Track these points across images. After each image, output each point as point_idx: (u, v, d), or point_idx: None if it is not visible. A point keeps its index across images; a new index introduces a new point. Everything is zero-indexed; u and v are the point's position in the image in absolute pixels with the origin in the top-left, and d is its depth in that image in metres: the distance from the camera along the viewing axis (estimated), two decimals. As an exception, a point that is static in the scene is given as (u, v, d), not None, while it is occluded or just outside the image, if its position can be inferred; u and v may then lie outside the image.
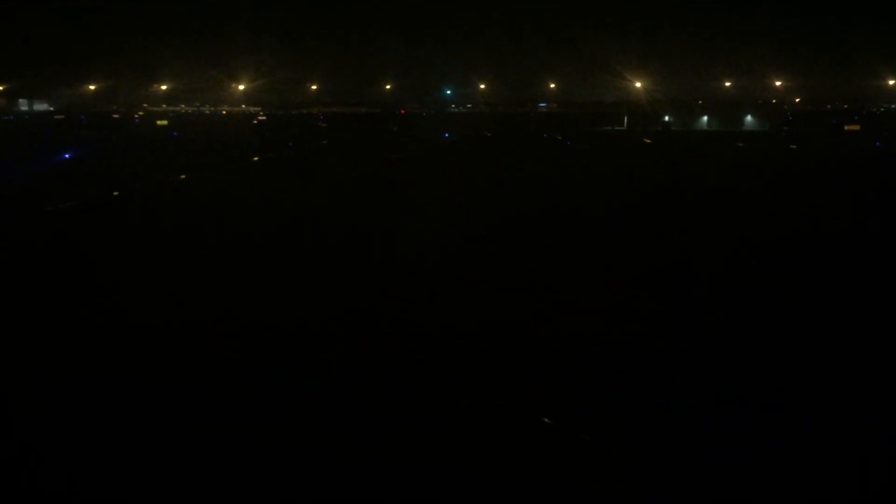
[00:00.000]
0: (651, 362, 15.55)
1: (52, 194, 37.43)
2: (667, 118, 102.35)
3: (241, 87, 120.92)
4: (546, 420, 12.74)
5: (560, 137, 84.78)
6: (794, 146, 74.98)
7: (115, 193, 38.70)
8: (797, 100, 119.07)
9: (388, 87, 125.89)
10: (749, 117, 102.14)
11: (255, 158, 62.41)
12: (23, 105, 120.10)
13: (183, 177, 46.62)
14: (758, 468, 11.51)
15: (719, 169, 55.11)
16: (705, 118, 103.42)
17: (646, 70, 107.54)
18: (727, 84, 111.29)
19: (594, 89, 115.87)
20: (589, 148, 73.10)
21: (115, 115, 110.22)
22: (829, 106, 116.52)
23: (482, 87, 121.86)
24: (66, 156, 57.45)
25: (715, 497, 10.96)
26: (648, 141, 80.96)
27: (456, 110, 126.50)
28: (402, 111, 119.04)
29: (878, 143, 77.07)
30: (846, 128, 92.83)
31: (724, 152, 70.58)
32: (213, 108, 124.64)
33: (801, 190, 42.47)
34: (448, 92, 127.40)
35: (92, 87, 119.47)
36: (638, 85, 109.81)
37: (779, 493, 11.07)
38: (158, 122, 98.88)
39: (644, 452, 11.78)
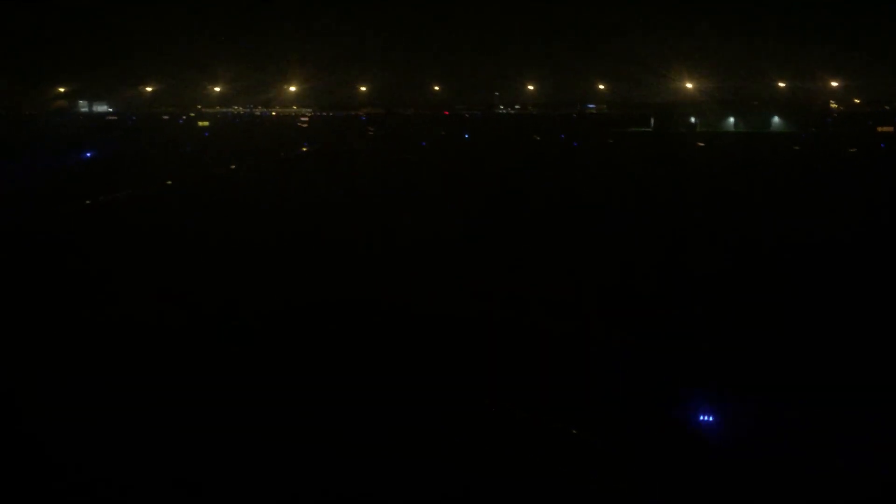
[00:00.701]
0: (651, 362, 15.53)
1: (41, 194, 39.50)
2: (693, 119, 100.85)
3: (293, 89, 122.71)
4: (546, 421, 12.85)
5: (563, 137, 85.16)
6: (796, 147, 73.84)
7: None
8: (856, 100, 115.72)
9: (436, 88, 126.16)
10: (776, 118, 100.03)
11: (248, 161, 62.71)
12: (83, 106, 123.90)
13: (168, 182, 46.84)
14: (758, 468, 11.46)
15: (695, 171, 55.20)
16: (732, 119, 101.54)
17: (697, 71, 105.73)
18: (781, 85, 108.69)
19: (646, 91, 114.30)
20: (590, 149, 73.04)
21: (165, 117, 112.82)
22: (886, 107, 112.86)
23: (530, 88, 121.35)
24: (86, 156, 59.36)
25: (715, 497, 10.95)
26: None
27: (503, 111, 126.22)
28: (446, 112, 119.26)
29: (882, 144, 75.89)
30: (879, 129, 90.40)
31: (721, 153, 70.34)
32: (264, 110, 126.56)
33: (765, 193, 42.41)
34: (496, 93, 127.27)
35: (149, 89, 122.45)
36: (689, 86, 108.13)
37: (779, 493, 11.02)
38: (200, 124, 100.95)
39: (644, 452, 11.82)
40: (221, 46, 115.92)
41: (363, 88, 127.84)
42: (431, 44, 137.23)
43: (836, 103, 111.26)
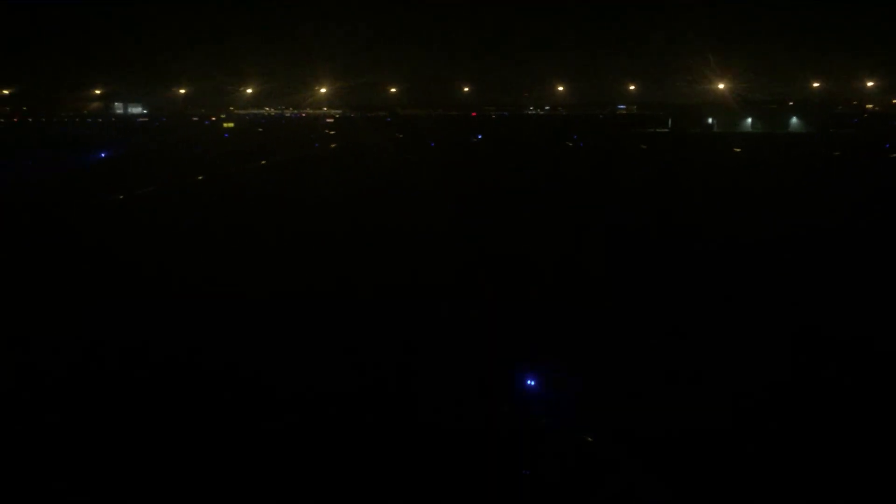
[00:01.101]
0: (652, 362, 15.39)
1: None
2: (710, 120, 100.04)
3: (323, 91, 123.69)
4: (546, 421, 12.78)
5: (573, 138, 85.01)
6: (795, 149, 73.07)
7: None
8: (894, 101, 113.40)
9: (466, 89, 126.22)
10: (794, 119, 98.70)
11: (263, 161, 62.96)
12: (118, 108, 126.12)
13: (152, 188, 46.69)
14: (758, 468, 11.30)
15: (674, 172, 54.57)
16: (749, 120, 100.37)
17: (729, 72, 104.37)
18: (806, 85, 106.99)
19: (677, 91, 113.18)
20: (594, 149, 72.75)
21: (195, 118, 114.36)
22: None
23: (560, 88, 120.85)
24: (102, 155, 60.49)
25: (715, 497, 10.81)
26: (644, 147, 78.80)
27: (533, 112, 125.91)
28: (474, 114, 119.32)
29: (887, 145, 74.69)
30: None
31: (719, 155, 69.42)
32: (294, 111, 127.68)
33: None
34: (526, 94, 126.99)
35: (182, 91, 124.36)
36: (721, 86, 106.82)
37: (779, 493, 10.85)
38: (225, 125, 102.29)
39: (644, 452, 11.71)
40: (254, 49, 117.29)
41: (393, 90, 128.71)
42: (463, 45, 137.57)
43: (871, 104, 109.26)
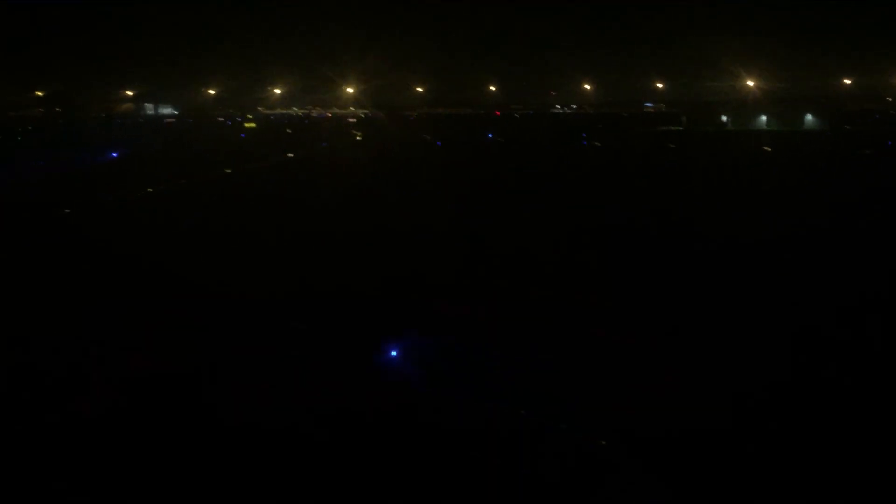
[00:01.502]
0: (652, 361, 15.29)
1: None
2: (724, 118, 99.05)
3: (350, 91, 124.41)
4: (545, 420, 12.73)
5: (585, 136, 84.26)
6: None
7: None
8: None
9: (492, 88, 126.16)
10: (809, 116, 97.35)
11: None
12: (149, 109, 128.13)
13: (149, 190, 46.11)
14: (758, 468, 11.19)
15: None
16: (764, 118, 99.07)
17: (756, 69, 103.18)
18: (846, 82, 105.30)
19: (704, 89, 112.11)
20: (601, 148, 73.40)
21: (220, 119, 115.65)
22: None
23: (587, 87, 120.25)
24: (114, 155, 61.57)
25: (715, 497, 10.72)
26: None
27: (560, 111, 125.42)
28: (497, 112, 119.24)
29: (889, 143, 73.59)
30: None
31: (717, 153, 68.38)
32: (320, 111, 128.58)
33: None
34: (553, 93, 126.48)
35: (212, 92, 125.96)
36: (750, 83, 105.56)
37: (779, 493, 10.73)
38: (246, 125, 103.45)
39: (644, 452, 11.63)
40: (283, 50, 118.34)
41: (419, 89, 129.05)
42: (490, 44, 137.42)
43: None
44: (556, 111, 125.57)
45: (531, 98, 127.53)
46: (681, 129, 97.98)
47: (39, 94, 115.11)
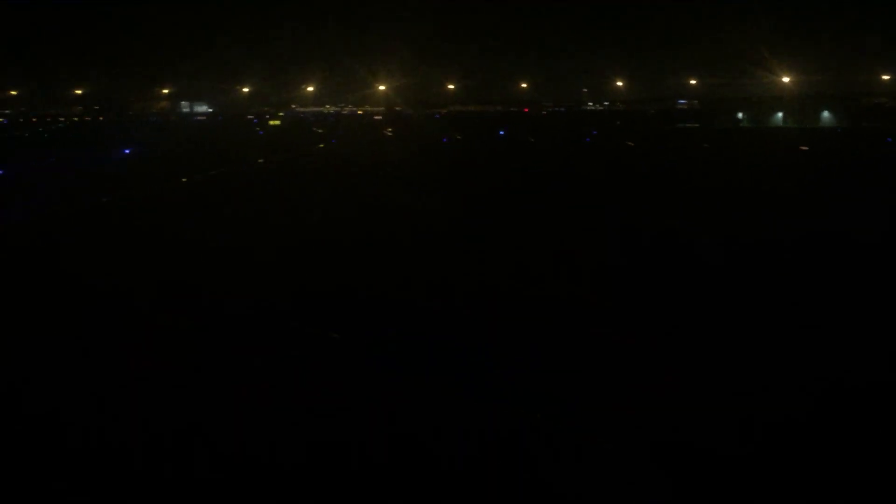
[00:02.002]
0: (653, 361, 15.17)
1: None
2: (740, 115, 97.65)
3: (382, 88, 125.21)
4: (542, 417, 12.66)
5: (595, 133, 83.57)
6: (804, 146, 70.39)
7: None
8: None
9: (523, 85, 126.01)
10: (826, 113, 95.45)
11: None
12: (185, 107, 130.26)
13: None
14: (758, 468, 11.09)
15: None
16: (780, 114, 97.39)
17: (793, 66, 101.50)
18: (885, 78, 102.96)
19: (740, 85, 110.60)
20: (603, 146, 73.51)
21: (250, 116, 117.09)
22: None
23: (619, 84, 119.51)
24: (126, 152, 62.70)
25: (715, 497, 10.64)
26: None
27: (592, 108, 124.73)
28: (526, 109, 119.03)
29: (888, 139, 72.64)
30: None
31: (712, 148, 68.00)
32: (351, 108, 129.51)
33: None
34: (585, 90, 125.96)
35: (246, 89, 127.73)
36: (786, 79, 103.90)
37: (779, 492, 10.62)
38: (271, 123, 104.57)
39: (644, 452, 11.54)
40: (316, 47, 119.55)
41: (451, 86, 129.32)
42: (523, 41, 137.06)
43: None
44: (589, 108, 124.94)
45: (564, 95, 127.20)
46: (697, 125, 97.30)
47: (78, 91, 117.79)
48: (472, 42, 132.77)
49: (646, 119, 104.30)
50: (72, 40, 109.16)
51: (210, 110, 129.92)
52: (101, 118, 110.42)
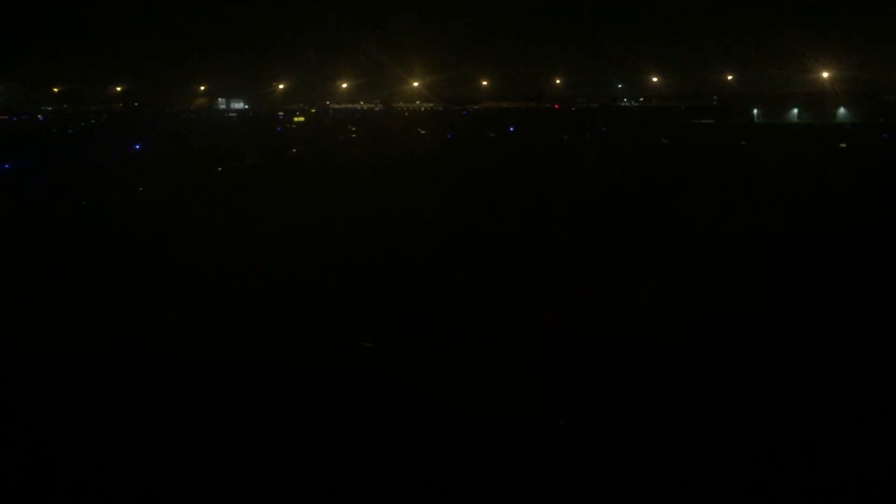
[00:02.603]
0: (653, 361, 14.97)
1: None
2: (755, 111, 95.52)
3: (416, 84, 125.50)
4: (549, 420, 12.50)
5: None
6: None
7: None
8: None
9: (558, 81, 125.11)
10: (842, 110, 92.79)
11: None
12: (222, 104, 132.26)
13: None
14: (757, 468, 10.93)
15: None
16: (795, 111, 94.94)
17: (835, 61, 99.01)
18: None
19: (776, 80, 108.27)
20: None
21: (280, 113, 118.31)
22: None
23: (654, 80, 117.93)
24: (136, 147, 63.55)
25: (715, 497, 10.50)
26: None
27: (626, 104, 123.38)
28: (556, 106, 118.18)
29: (885, 135, 71.09)
30: None
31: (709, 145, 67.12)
32: (383, 105, 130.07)
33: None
34: (619, 86, 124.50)
35: (281, 86, 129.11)
36: (824, 75, 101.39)
37: (779, 492, 10.46)
38: (295, 119, 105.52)
39: (645, 452, 11.39)
40: (350, 45, 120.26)
41: (485, 83, 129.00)
42: (557, 37, 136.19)
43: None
44: (623, 104, 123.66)
45: (597, 92, 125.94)
46: (712, 122, 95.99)
47: (118, 88, 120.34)
48: (507, 38, 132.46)
49: (672, 115, 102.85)
50: (114, 37, 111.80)
51: (246, 107, 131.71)
52: (127, 115, 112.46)
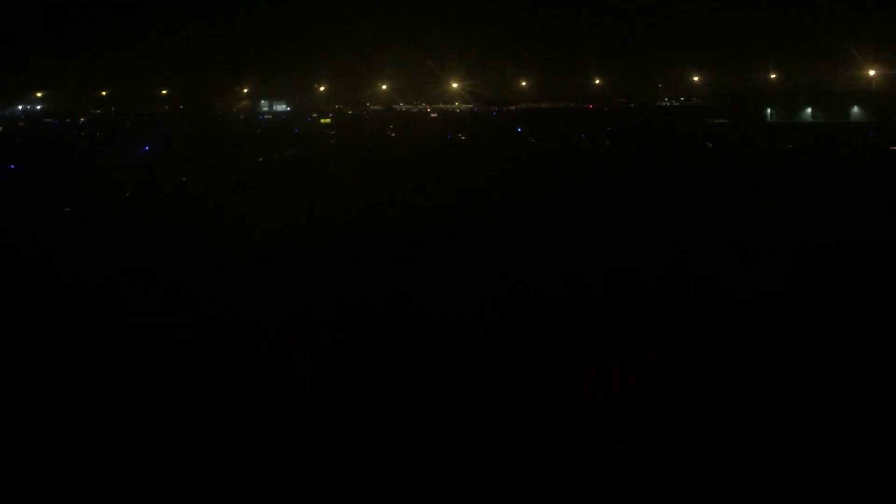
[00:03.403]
0: (654, 361, 14.88)
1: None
2: (768, 111, 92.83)
3: (455, 86, 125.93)
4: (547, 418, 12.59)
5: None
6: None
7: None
8: None
9: (597, 81, 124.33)
10: (856, 108, 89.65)
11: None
12: (264, 106, 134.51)
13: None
14: (758, 469, 10.94)
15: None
16: (809, 110, 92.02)
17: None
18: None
19: (823, 76, 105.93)
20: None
21: (314, 115, 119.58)
22: None
23: (696, 79, 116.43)
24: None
25: (715, 497, 10.73)
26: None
27: (667, 104, 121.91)
28: (590, 106, 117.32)
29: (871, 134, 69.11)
30: None
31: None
32: (419, 106, 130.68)
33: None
34: (660, 85, 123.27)
35: (322, 88, 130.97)
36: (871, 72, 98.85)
37: (779, 493, 10.49)
38: (322, 121, 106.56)
39: (645, 452, 11.47)
40: (389, 46, 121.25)
41: (524, 83, 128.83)
42: (597, 37, 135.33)
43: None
44: (664, 104, 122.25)
45: (638, 91, 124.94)
46: (725, 121, 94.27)
47: (164, 91, 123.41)
48: (546, 38, 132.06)
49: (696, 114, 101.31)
50: (159, 42, 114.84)
51: (288, 109, 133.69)
52: (158, 118, 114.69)
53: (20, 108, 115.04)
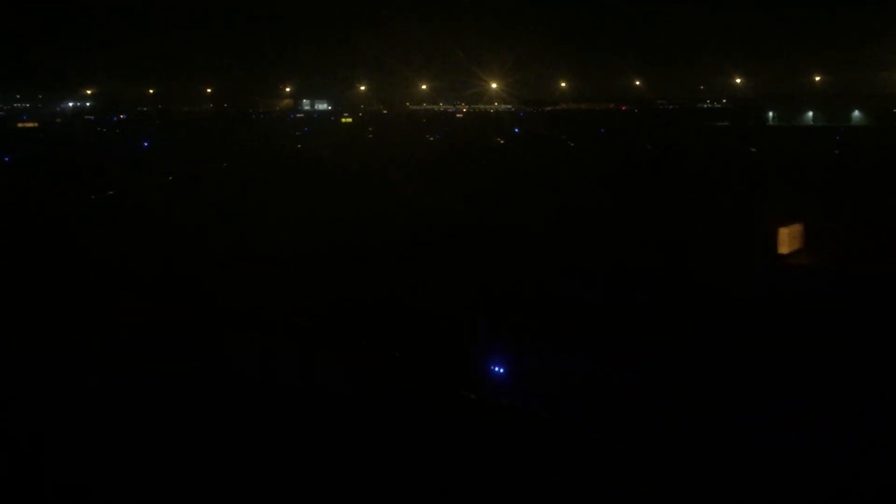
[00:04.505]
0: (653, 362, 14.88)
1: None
2: (770, 113, 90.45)
3: (494, 86, 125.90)
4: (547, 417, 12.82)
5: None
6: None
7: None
8: None
9: (637, 83, 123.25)
10: (857, 112, 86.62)
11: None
12: (306, 105, 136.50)
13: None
14: (757, 469, 11.01)
15: None
16: (810, 113, 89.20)
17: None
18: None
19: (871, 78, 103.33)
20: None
21: (346, 115, 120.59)
22: None
23: (737, 81, 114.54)
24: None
25: (715, 497, 10.75)
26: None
27: (708, 106, 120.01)
28: (623, 107, 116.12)
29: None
30: None
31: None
32: (458, 105, 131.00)
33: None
34: (701, 87, 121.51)
35: (363, 88, 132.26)
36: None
37: (779, 493, 10.77)
38: (343, 121, 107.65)
39: (646, 452, 11.60)
40: (429, 47, 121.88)
41: (563, 84, 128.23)
42: (638, 38, 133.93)
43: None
44: (706, 106, 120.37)
45: (678, 92, 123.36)
46: (726, 124, 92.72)
47: (209, 90, 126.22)
48: (587, 39, 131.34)
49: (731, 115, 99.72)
50: (205, 42, 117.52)
51: (328, 108, 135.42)
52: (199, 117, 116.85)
53: (69, 104, 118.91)
